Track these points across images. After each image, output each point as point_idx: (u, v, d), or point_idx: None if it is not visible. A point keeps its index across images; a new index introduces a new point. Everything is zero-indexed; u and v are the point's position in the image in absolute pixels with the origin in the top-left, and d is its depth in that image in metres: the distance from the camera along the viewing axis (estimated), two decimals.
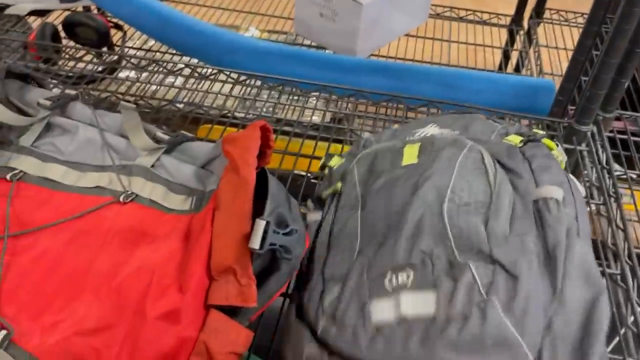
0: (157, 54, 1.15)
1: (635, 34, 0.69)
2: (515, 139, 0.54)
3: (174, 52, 1.13)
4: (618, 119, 0.88)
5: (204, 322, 0.44)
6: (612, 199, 0.68)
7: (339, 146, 1.07)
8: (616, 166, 0.85)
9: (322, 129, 0.85)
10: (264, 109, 1.15)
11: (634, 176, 0.84)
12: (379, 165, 0.55)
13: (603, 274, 0.60)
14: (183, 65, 0.89)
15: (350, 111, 1.09)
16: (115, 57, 1.09)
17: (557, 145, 0.56)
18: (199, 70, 0.90)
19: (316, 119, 1.17)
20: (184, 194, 0.55)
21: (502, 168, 0.50)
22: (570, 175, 0.52)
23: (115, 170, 0.56)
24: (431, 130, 0.59)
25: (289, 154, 0.79)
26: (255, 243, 0.43)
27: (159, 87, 0.94)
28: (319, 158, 0.82)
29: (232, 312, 0.45)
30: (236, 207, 0.46)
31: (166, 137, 0.58)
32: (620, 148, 0.85)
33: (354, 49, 1.05)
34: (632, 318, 0.55)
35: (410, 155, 0.54)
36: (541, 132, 0.57)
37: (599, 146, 0.76)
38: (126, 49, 1.20)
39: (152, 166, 0.57)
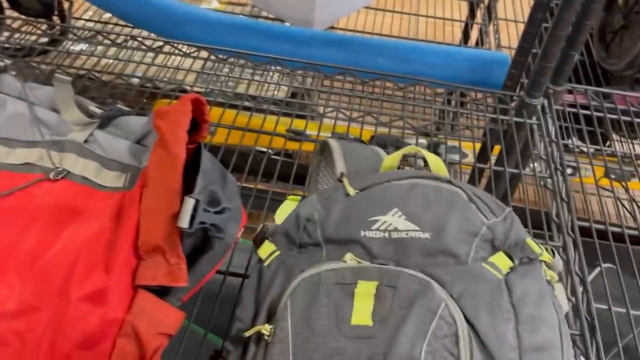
0: (107, 25, 1.11)
1: (584, 7, 0.69)
2: (503, 263, 0.42)
3: (125, 23, 1.09)
4: (571, 92, 0.89)
5: (131, 303, 0.42)
6: (559, 173, 0.68)
7: (302, 122, 1.06)
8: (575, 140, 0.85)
9: (276, 103, 0.83)
10: (223, 84, 1.12)
11: (591, 150, 0.85)
12: (318, 319, 0.40)
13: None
14: (129, 37, 0.86)
15: (315, 86, 1.07)
16: (58, 29, 1.04)
17: (554, 255, 0.46)
18: (147, 43, 0.87)
19: (279, 94, 1.15)
20: (118, 170, 0.53)
21: (478, 346, 0.38)
22: (564, 329, 0.42)
23: (46, 146, 0.54)
24: (395, 220, 0.45)
25: (238, 129, 0.78)
26: (184, 222, 0.42)
27: (114, 61, 0.91)
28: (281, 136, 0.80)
29: (162, 292, 0.44)
30: (165, 185, 0.44)
31: (99, 111, 0.56)
32: (572, 121, 0.86)
33: (311, 21, 1.02)
34: (570, 289, 0.56)
35: (363, 304, 0.40)
36: (536, 246, 0.45)
37: (548, 119, 0.76)
38: (74, 20, 1.15)
39: (85, 142, 0.54)
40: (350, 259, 0.43)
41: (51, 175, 0.52)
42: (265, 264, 0.45)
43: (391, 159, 0.54)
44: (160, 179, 0.44)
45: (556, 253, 0.46)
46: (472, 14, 1.31)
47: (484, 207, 0.46)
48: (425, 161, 0.53)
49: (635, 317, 0.65)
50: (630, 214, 0.98)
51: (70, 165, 0.53)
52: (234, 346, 0.42)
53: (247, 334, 0.41)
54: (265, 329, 0.40)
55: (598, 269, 0.86)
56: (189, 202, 0.42)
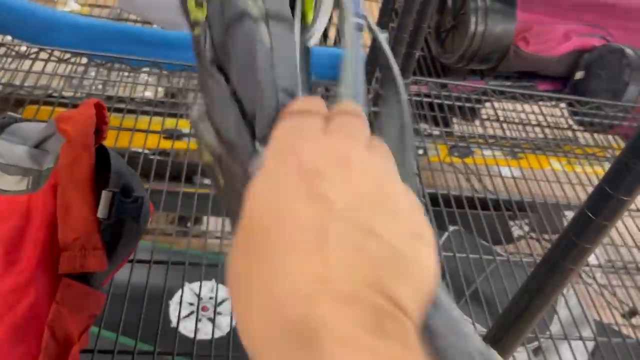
0: None
1: (420, 13, 0.83)
2: None
3: None
4: (416, 83, 1.04)
5: (56, 290, 0.47)
6: None
7: (174, 120, 1.10)
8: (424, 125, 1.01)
9: (156, 104, 0.88)
10: (93, 87, 1.12)
11: (437, 132, 1.01)
12: None
13: None
14: None
15: (184, 85, 1.11)
16: None
17: None
18: (16, 48, 0.86)
19: (149, 94, 1.18)
20: (19, 175, 0.55)
21: None
22: None
23: None
24: None
25: (123, 129, 0.81)
26: (103, 213, 0.47)
27: None
28: (155, 132, 0.85)
29: (84, 278, 0.48)
30: (79, 183, 0.49)
31: None
32: (419, 108, 1.01)
33: (181, 24, 1.07)
34: None
35: None
36: None
37: None
38: None
39: None
40: None
41: None
42: None
43: None
44: (74, 178, 0.48)
45: None
46: None
47: None
48: None
49: (478, 267, 0.81)
50: (470, 184, 1.18)
51: None
52: None
53: None
54: None
55: (446, 233, 1.03)
56: (107, 195, 0.47)
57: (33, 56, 0.87)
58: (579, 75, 1.12)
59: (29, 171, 0.56)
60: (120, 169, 0.51)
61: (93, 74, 1.07)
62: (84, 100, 0.53)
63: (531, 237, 1.23)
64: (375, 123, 0.52)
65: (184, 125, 1.12)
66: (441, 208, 0.84)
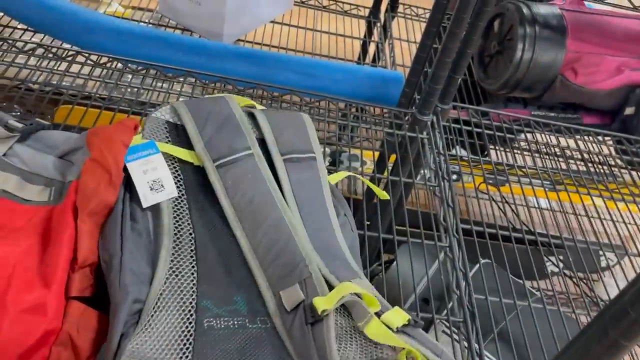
0: (6, 29, 1.07)
1: (466, 37, 0.79)
2: None
3: (26, 28, 1.06)
4: (455, 108, 1.00)
5: (65, 312, 0.45)
6: (445, 181, 0.79)
7: None
8: (462, 151, 0.97)
9: None
10: (128, 91, 1.12)
11: (474, 159, 0.97)
12: None
13: (436, 247, 0.70)
14: (35, 45, 0.84)
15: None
16: None
17: None
18: (54, 50, 0.86)
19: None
20: (42, 185, 0.54)
21: None
22: None
23: None
24: None
25: None
26: None
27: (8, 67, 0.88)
28: None
29: (91, 300, 0.47)
30: (105, 206, 0.47)
31: (19, 125, 0.56)
32: (456, 134, 0.97)
33: (220, 34, 1.06)
34: (455, 283, 0.65)
35: None
36: None
37: (437, 134, 0.87)
38: None
39: (4, 155, 0.55)
40: None
41: None
42: None
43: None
44: (100, 199, 0.47)
45: None
46: (369, 32, 1.41)
47: None
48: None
49: (508, 305, 0.76)
50: (504, 213, 1.13)
51: None
52: None
53: None
54: None
55: (478, 265, 0.98)
56: None
57: (69, 59, 0.87)
58: (628, 111, 1.06)
59: (53, 181, 0.55)
60: None
61: (130, 76, 1.07)
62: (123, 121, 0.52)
63: (566, 275, 1.17)
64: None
65: None
66: (474, 238, 0.80)
